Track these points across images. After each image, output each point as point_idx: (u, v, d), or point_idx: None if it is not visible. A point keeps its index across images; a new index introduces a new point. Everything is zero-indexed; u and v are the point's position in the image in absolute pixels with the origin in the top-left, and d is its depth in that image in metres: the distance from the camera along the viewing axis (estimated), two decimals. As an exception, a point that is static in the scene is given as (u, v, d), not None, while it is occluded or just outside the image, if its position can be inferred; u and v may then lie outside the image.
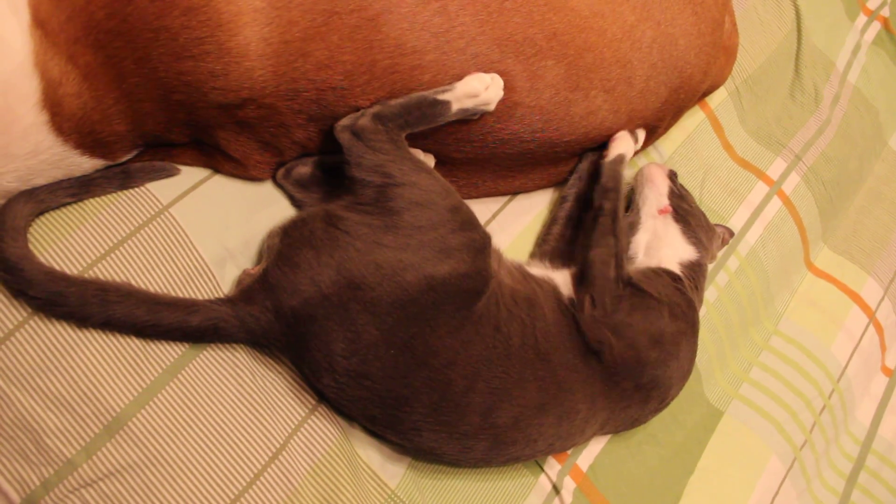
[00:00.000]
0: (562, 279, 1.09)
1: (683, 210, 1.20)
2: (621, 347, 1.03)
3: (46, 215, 0.92)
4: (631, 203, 1.23)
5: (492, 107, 1.00)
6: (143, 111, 0.91)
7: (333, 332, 0.88)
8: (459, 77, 0.99)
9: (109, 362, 0.89)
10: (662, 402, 1.11)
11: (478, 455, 0.96)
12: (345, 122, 0.95)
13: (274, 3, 0.90)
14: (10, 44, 0.82)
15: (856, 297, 1.46)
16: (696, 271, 1.18)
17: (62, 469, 0.85)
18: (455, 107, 0.98)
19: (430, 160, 1.09)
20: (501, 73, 1.01)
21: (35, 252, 0.89)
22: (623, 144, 1.16)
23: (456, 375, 0.91)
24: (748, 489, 1.22)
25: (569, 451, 1.11)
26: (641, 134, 1.21)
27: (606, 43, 1.10)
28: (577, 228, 1.18)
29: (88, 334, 0.89)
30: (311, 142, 1.00)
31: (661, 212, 1.20)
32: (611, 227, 1.11)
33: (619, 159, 1.15)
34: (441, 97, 0.97)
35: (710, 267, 1.29)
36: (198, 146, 1.00)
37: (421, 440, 0.94)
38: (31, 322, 0.87)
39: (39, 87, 0.83)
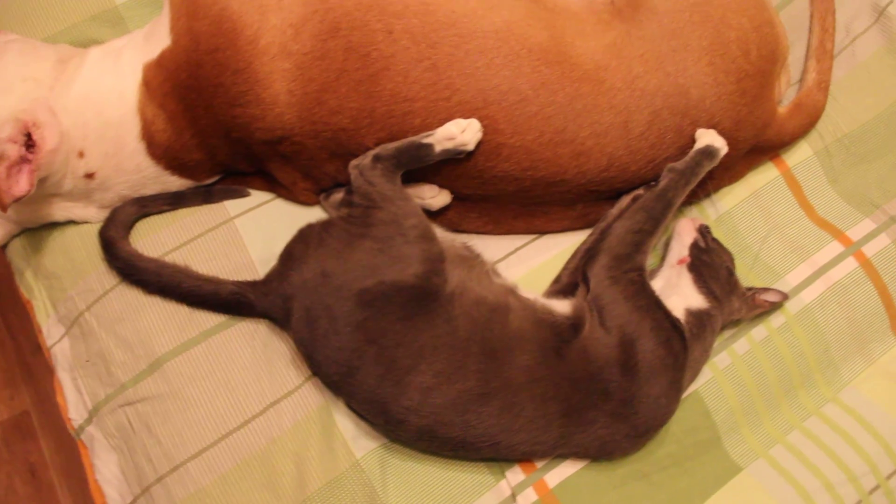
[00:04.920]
0: (558, 304, 1.20)
1: (701, 262, 1.24)
2: (592, 335, 1.13)
3: (151, 217, 1.30)
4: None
5: (470, 147, 1.18)
6: (213, 145, 1.26)
7: (307, 310, 1.12)
8: (445, 121, 1.19)
9: (165, 320, 1.23)
10: (635, 430, 1.15)
11: (412, 432, 1.12)
12: (354, 161, 1.20)
13: (298, 64, 1.20)
14: (127, 96, 1.23)
15: (953, 377, 1.29)
16: (702, 320, 1.20)
17: (117, 390, 1.21)
18: (438, 148, 1.18)
19: (445, 195, 1.29)
20: (483, 118, 1.19)
21: (137, 240, 1.28)
22: (709, 136, 1.23)
23: (401, 355, 1.09)
24: (747, 549, 1.17)
25: (537, 464, 1.19)
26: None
27: (602, 92, 1.21)
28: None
29: (156, 300, 1.24)
30: (340, 173, 1.27)
31: (680, 262, 1.25)
32: (651, 204, 1.21)
33: (706, 150, 1.22)
34: (425, 141, 1.18)
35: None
36: (263, 175, 1.33)
37: (369, 409, 1.13)
38: (119, 287, 1.25)
39: (139, 125, 1.23)
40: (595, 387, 1.12)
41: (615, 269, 1.18)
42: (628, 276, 1.18)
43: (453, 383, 1.10)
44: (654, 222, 1.21)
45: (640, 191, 1.28)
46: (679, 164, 1.23)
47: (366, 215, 1.16)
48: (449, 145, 1.18)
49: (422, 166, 1.20)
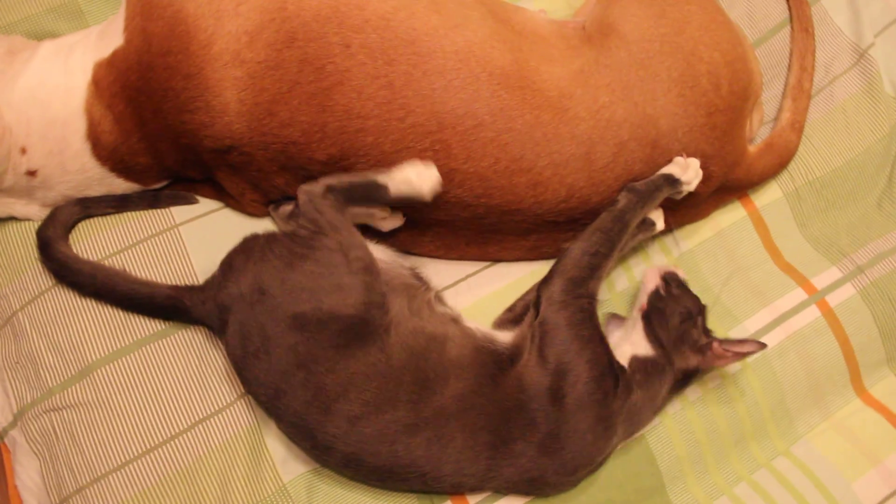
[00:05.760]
0: (502, 335, 1.17)
1: (655, 309, 1.19)
2: (529, 363, 1.10)
3: (94, 219, 1.27)
4: None
5: (426, 198, 1.14)
6: (160, 150, 1.23)
7: (241, 325, 1.09)
8: (398, 141, 1.15)
9: (99, 326, 1.20)
10: (563, 468, 1.11)
11: (338, 459, 1.08)
12: (305, 186, 1.16)
13: (250, 73, 1.16)
14: (75, 94, 1.20)
15: (911, 437, 1.25)
16: (647, 368, 1.16)
17: (44, 394, 1.17)
18: (393, 191, 1.14)
19: (397, 218, 1.25)
20: (437, 142, 1.15)
21: (77, 242, 1.24)
22: (677, 167, 1.20)
23: (330, 382, 1.06)
24: None
25: (470, 501, 1.15)
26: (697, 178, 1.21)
27: (565, 121, 1.18)
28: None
29: (92, 305, 1.21)
30: (289, 186, 1.23)
31: (640, 310, 1.21)
32: (609, 225, 1.18)
33: (666, 176, 1.19)
34: (381, 181, 1.14)
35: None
36: (213, 184, 1.30)
37: (295, 433, 1.09)
38: (55, 289, 1.22)
39: (86, 124, 1.20)
40: (524, 416, 1.09)
41: (568, 294, 1.14)
42: (579, 302, 1.14)
43: (382, 413, 1.06)
44: (611, 244, 1.17)
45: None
46: (639, 185, 1.19)
47: (311, 238, 1.12)
48: (405, 189, 1.14)
49: (376, 204, 1.17)
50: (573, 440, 1.09)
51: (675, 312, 1.19)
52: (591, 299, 1.15)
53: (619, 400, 1.11)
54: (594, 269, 1.16)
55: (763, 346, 1.17)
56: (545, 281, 1.17)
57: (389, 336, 1.09)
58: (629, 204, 1.18)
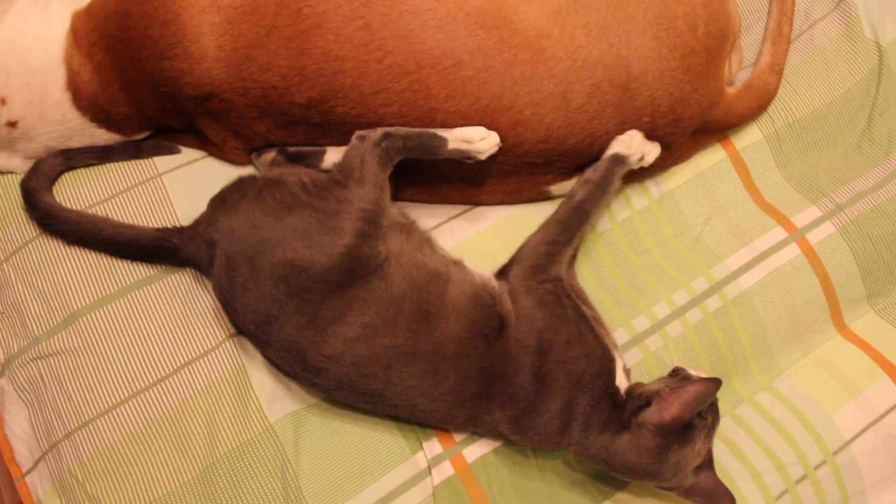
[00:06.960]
0: (500, 286, 1.17)
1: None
2: (516, 335, 1.10)
3: (77, 171, 1.27)
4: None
5: (482, 157, 1.16)
6: (141, 99, 1.23)
7: (228, 257, 1.10)
8: (376, 83, 1.16)
9: (84, 274, 1.21)
10: (524, 436, 1.12)
11: (331, 381, 1.09)
12: (361, 132, 1.15)
13: (228, 18, 1.17)
14: (53, 44, 1.20)
15: (891, 369, 1.26)
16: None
17: (30, 342, 1.18)
18: (451, 146, 1.15)
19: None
20: (416, 82, 1.16)
21: (61, 192, 1.25)
22: (620, 145, 1.21)
23: (327, 308, 1.06)
24: (665, 534, 1.14)
25: (456, 438, 1.17)
26: (653, 148, 1.24)
27: (542, 60, 1.18)
28: None
29: (76, 253, 1.21)
30: (271, 133, 1.24)
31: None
32: (565, 216, 1.19)
33: (615, 158, 1.21)
34: (441, 133, 1.15)
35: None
36: (195, 133, 1.30)
37: (285, 358, 1.10)
38: (40, 238, 1.22)
39: (65, 74, 1.20)
40: (507, 388, 1.09)
41: (530, 280, 1.15)
42: (545, 286, 1.14)
43: (381, 337, 1.07)
44: (569, 233, 1.18)
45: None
46: (593, 176, 1.21)
47: (326, 189, 1.12)
48: (463, 147, 1.15)
49: (427, 158, 1.17)
50: (542, 420, 1.09)
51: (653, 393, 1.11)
52: (556, 282, 1.16)
53: (595, 386, 1.09)
54: (552, 255, 1.17)
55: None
56: (506, 267, 1.18)
57: (390, 265, 1.10)
58: (587, 195, 1.19)
